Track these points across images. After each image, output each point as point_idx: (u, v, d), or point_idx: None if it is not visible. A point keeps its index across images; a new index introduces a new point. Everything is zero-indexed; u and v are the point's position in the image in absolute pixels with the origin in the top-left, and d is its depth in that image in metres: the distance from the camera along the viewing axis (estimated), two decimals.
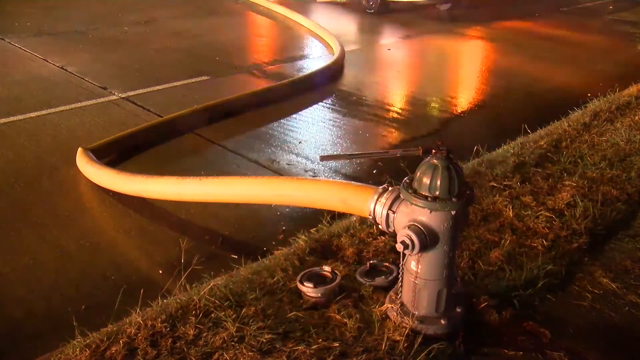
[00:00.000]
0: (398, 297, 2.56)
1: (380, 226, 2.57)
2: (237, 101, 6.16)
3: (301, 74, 7.34)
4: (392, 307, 2.56)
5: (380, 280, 2.80)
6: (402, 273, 2.52)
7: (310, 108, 6.36)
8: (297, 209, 3.93)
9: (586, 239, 3.24)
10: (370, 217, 2.60)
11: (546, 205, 3.55)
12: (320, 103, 6.51)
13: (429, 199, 2.30)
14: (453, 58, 9.02)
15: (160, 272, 3.40)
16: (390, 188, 2.57)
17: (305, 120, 5.99)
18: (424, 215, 2.33)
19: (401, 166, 3.68)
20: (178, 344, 2.44)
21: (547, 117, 5.31)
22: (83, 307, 3.08)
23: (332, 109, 6.34)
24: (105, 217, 4.14)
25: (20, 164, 4.80)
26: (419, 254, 2.36)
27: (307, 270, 2.84)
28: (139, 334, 2.47)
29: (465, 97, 7.05)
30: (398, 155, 2.69)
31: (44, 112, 5.91)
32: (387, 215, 2.49)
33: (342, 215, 3.48)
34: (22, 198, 4.28)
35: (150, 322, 2.53)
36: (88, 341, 2.45)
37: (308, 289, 2.70)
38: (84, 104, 6.17)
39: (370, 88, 7.26)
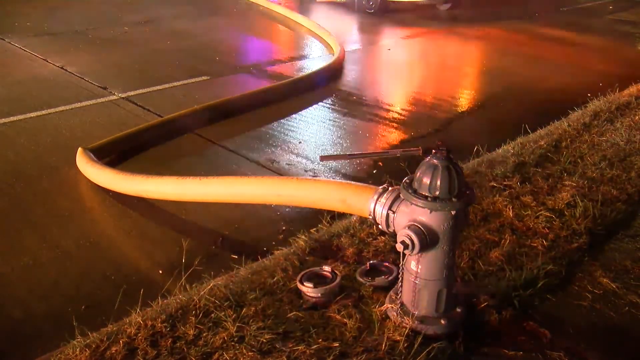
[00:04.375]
0: (398, 297, 2.56)
1: (380, 226, 2.57)
2: (237, 101, 6.16)
3: (301, 74, 7.35)
4: (392, 307, 2.57)
5: (380, 280, 2.80)
6: (402, 273, 2.52)
7: (310, 108, 6.36)
8: (297, 209, 3.92)
9: (586, 239, 3.24)
10: (370, 217, 2.60)
11: (546, 205, 3.55)
12: (320, 103, 6.51)
13: (429, 199, 2.30)
14: (453, 58, 9.01)
15: (160, 272, 3.39)
16: (390, 188, 2.57)
17: (305, 120, 5.99)
18: (424, 215, 2.33)
19: (401, 166, 3.68)
20: (178, 344, 2.44)
21: (547, 117, 5.31)
22: (83, 307, 3.08)
23: (332, 109, 6.35)
24: (105, 217, 4.14)
25: (20, 164, 4.80)
26: (419, 254, 2.36)
27: (307, 270, 2.84)
28: (139, 334, 2.48)
29: (465, 97, 7.05)
30: (398, 155, 2.69)
31: (44, 112, 5.91)
32: (387, 215, 2.49)
33: (342, 215, 3.48)
34: (22, 198, 4.28)
35: (150, 322, 2.53)
36: (88, 341, 2.45)
37: (308, 289, 2.70)
38: (84, 104, 6.17)
39: (370, 88, 7.26)
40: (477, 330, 2.55)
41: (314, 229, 3.40)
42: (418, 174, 2.37)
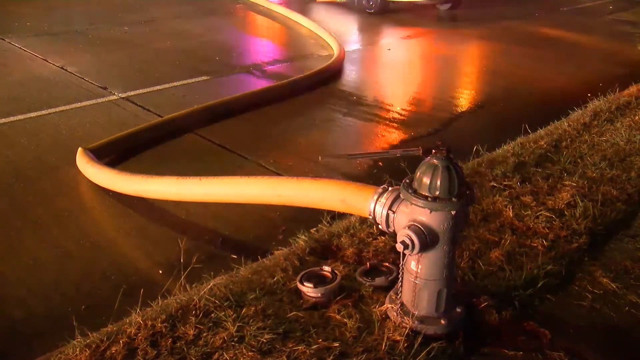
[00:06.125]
0: (398, 297, 2.56)
1: (380, 226, 2.57)
2: (237, 101, 6.16)
3: (301, 74, 7.34)
4: (392, 307, 2.56)
5: (380, 280, 2.80)
6: (402, 273, 2.52)
7: (310, 108, 6.36)
8: (297, 209, 3.91)
9: (586, 239, 3.24)
10: (370, 217, 2.60)
11: (546, 205, 3.55)
12: (320, 103, 6.51)
13: (429, 199, 2.30)
14: (453, 58, 9.02)
15: (160, 272, 3.39)
16: (390, 188, 2.57)
17: (305, 120, 5.99)
18: (424, 215, 2.33)
19: (401, 166, 3.68)
20: (178, 344, 2.44)
21: (547, 117, 5.31)
22: (83, 307, 3.08)
23: (332, 109, 6.34)
24: (105, 217, 4.14)
25: (20, 164, 4.80)
26: (419, 254, 2.36)
27: (307, 270, 2.84)
28: (139, 334, 2.48)
29: (465, 97, 7.05)
30: (398, 155, 2.69)
31: (44, 112, 5.91)
32: (387, 215, 2.49)
33: (342, 215, 3.48)
34: (22, 198, 4.27)
35: (150, 322, 2.53)
36: (88, 341, 2.45)
37: (308, 289, 2.70)
38: (84, 104, 6.17)
39: (370, 88, 7.26)
40: (477, 330, 2.55)
41: (314, 229, 3.40)
42: (418, 174, 2.37)
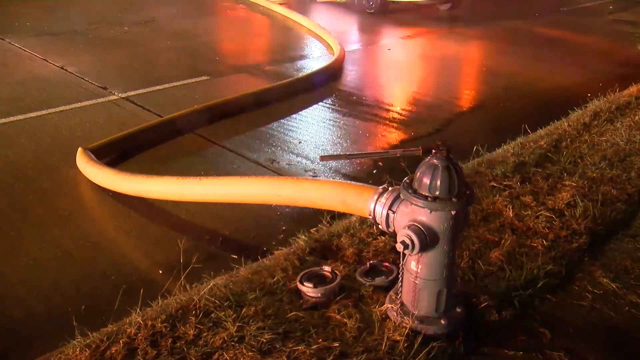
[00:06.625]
0: (398, 297, 2.56)
1: (380, 226, 2.57)
2: (237, 101, 6.16)
3: (301, 74, 7.35)
4: (392, 307, 2.56)
5: (380, 280, 2.80)
6: (402, 273, 2.52)
7: (310, 108, 6.36)
8: (297, 209, 3.92)
9: (586, 239, 3.24)
10: (370, 217, 2.60)
11: (546, 205, 3.55)
12: (320, 103, 6.52)
13: (429, 199, 2.30)
14: (453, 58, 9.02)
15: (160, 272, 3.40)
16: (390, 188, 2.57)
17: (305, 120, 5.99)
18: (424, 215, 2.33)
19: (401, 166, 3.68)
20: (178, 344, 2.44)
21: (547, 117, 5.31)
22: (83, 307, 3.08)
23: (332, 109, 6.35)
24: (105, 217, 4.14)
25: (20, 163, 4.80)
26: (419, 254, 2.36)
27: (307, 270, 2.84)
28: (139, 334, 2.48)
29: (465, 97, 7.05)
30: (398, 155, 2.69)
31: (44, 112, 5.92)
32: (387, 215, 2.49)
33: (342, 215, 3.48)
34: (22, 198, 4.28)
35: (150, 322, 2.53)
36: (88, 341, 2.45)
37: (308, 289, 2.70)
38: (84, 104, 6.18)
39: (370, 88, 7.26)
40: (477, 330, 2.55)
41: (314, 229, 3.40)
42: (418, 174, 2.37)
